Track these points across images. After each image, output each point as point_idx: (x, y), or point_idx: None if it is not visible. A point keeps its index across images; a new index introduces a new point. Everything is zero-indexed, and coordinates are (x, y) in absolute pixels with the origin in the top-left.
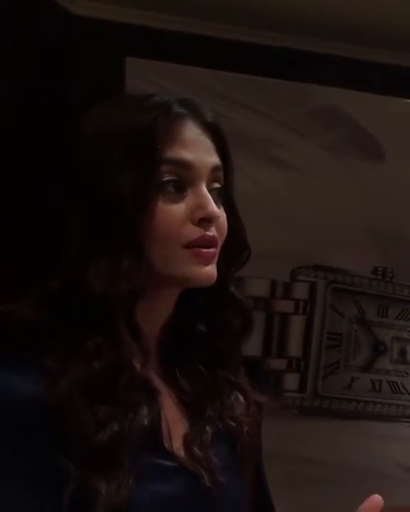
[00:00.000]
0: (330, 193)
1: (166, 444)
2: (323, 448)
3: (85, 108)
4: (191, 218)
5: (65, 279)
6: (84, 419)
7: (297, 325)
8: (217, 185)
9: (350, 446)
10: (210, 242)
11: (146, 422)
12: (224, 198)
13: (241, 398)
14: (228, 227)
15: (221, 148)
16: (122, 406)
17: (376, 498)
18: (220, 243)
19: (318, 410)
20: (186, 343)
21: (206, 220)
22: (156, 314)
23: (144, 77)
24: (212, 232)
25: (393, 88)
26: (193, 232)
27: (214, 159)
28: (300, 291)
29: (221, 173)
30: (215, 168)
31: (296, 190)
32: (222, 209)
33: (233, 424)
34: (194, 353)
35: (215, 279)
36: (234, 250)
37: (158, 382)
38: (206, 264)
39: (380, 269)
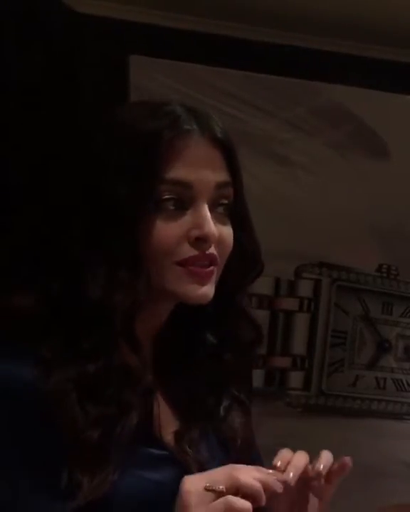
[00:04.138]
0: (335, 191)
1: (156, 435)
2: (327, 446)
3: (89, 106)
4: (187, 237)
5: (65, 281)
6: (75, 416)
7: (301, 323)
8: (224, 201)
9: (355, 444)
10: (206, 261)
11: (137, 421)
12: (234, 213)
13: (237, 406)
14: (239, 244)
15: (230, 163)
16: (115, 407)
17: (346, 459)
18: (222, 261)
19: (322, 408)
20: (187, 347)
21: (202, 240)
22: (150, 324)
23: (148, 75)
24: (211, 250)
25: (398, 86)
26: (187, 250)
27: (219, 177)
28: (305, 288)
29: (228, 189)
30: (220, 186)
31: (300, 188)
32: (229, 225)
33: (227, 431)
34: (195, 358)
35: (210, 298)
36: (245, 267)
37: (151, 383)
38: (202, 284)
39: (385, 266)
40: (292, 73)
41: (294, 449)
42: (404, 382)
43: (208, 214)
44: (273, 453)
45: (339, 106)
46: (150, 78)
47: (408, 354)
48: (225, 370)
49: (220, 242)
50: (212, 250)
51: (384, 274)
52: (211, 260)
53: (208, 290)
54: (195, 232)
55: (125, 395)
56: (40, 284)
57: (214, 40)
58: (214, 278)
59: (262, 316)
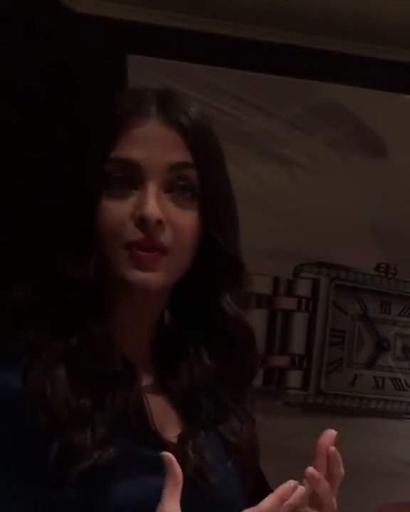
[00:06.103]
0: (333, 190)
1: (156, 435)
2: None
3: (86, 105)
4: (133, 217)
5: (43, 260)
6: (66, 389)
7: (300, 322)
8: (183, 183)
9: (353, 443)
10: (149, 245)
11: (127, 397)
12: (203, 200)
13: (240, 413)
14: (209, 235)
15: (195, 146)
16: (101, 380)
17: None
18: (180, 248)
19: (321, 407)
20: (186, 353)
21: (144, 221)
22: (143, 313)
23: (145, 74)
24: (157, 234)
25: (396, 85)
26: (132, 232)
27: (174, 157)
28: (303, 288)
29: (188, 171)
30: (174, 166)
31: (299, 187)
32: (189, 210)
33: (232, 438)
34: (193, 364)
35: (156, 286)
36: (221, 265)
37: (149, 380)
38: (144, 269)
39: (383, 265)
40: (291, 72)
41: (293, 449)
42: (402, 382)
43: (152, 194)
44: (272, 452)
45: (338, 105)
46: (148, 77)
47: (406, 353)
48: (224, 376)
49: (173, 226)
50: (159, 234)
51: (383, 274)
52: (154, 244)
53: (151, 277)
54: (138, 212)
55: (111, 370)
56: (27, 268)
57: (212, 39)
58: (162, 265)
59: (260, 315)
